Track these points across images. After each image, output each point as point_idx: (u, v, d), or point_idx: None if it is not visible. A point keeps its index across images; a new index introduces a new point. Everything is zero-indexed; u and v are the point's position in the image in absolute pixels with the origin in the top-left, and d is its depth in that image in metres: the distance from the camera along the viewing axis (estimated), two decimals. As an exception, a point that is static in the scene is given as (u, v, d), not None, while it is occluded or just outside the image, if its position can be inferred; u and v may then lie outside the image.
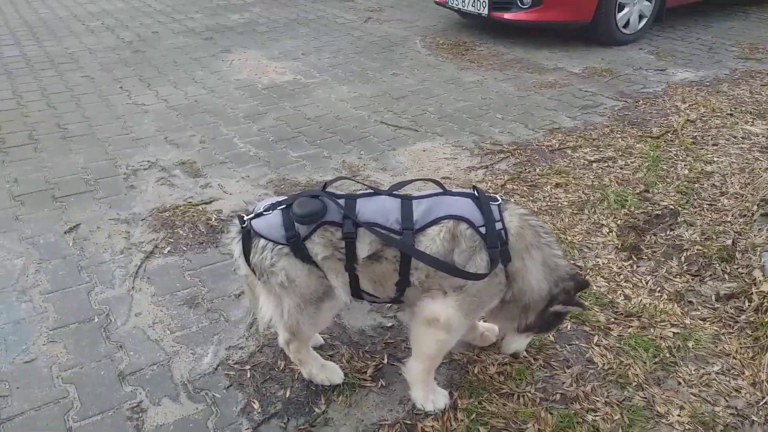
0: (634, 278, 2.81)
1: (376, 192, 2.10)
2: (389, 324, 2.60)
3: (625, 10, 6.21)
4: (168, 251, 3.11)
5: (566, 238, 3.10)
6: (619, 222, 3.23)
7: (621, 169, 3.80)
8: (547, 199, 3.50)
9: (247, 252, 2.07)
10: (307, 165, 4.02)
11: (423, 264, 1.97)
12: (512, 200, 3.42)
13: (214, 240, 3.21)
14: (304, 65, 6.05)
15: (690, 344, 2.39)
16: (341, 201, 2.04)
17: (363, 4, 8.70)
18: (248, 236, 2.05)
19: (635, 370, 2.29)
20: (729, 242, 2.93)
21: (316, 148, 4.27)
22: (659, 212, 3.28)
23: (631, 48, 6.28)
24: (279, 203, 2.08)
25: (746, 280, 2.67)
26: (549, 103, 4.93)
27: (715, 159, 3.85)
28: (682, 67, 5.65)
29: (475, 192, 2.07)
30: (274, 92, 5.34)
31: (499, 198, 2.07)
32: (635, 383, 2.24)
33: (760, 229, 2.96)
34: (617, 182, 3.63)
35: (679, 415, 2.09)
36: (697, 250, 2.94)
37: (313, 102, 5.11)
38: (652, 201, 3.40)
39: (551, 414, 2.12)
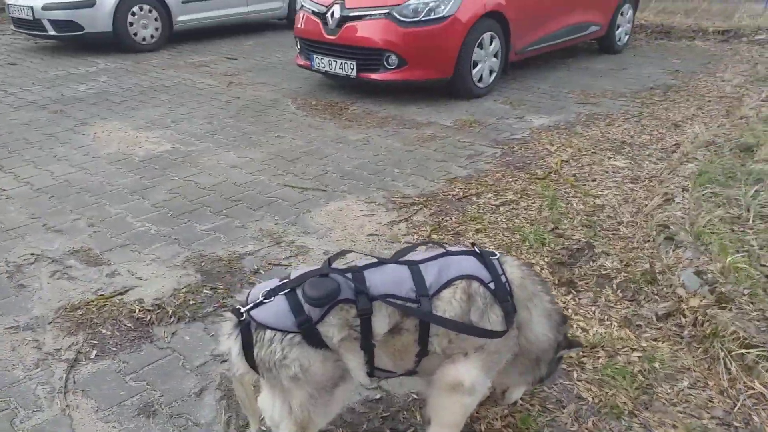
0: (581, 311, 3.01)
1: (381, 261, 2.03)
2: (377, 396, 2.48)
3: (479, 66, 6.81)
4: (96, 355, 2.68)
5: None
6: (546, 259, 3.46)
7: (525, 210, 4.09)
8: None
9: (247, 348, 1.86)
10: (221, 237, 3.76)
11: (443, 330, 1.93)
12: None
13: (147, 335, 2.84)
14: (178, 133, 5.71)
15: (656, 365, 2.60)
16: (348, 275, 1.94)
17: (217, 68, 8.51)
18: (248, 330, 1.86)
19: (622, 398, 2.43)
20: (647, 266, 3.27)
21: (223, 218, 4.02)
22: (577, 246, 3.58)
23: (487, 100, 6.88)
24: (278, 288, 1.91)
25: (674, 298, 2.99)
26: (436, 155, 5.18)
27: (600, 192, 4.32)
28: (536, 113, 6.31)
29: (475, 248, 2.10)
30: (155, 164, 4.95)
31: (497, 252, 2.11)
32: (627, 411, 2.37)
33: (667, 251, 3.35)
34: (528, 222, 3.90)
35: (676, 434, 2.25)
36: (624, 276, 3.24)
37: (203, 170, 4.83)
38: (566, 236, 3.71)
39: (570, 456, 2.16)
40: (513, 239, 3.69)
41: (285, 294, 1.88)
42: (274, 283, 1.96)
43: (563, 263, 3.41)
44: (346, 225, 3.94)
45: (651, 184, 4.41)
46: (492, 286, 1.98)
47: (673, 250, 3.33)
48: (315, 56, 6.95)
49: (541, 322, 2.06)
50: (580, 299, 3.10)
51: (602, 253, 3.50)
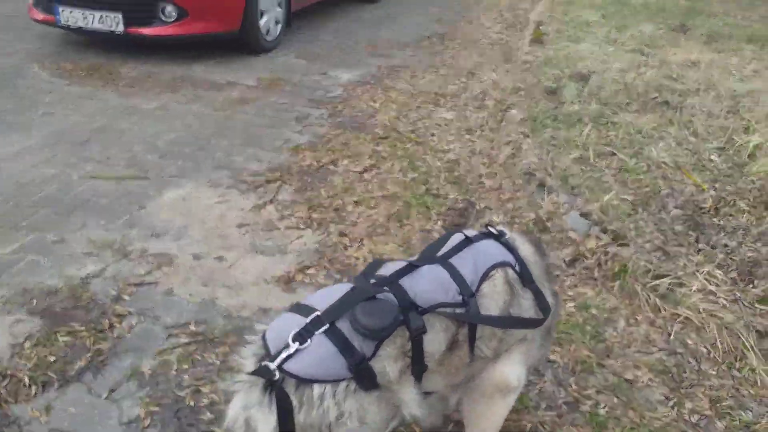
0: (498, 271, 2.97)
1: (410, 264, 1.64)
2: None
3: (265, 17, 6.22)
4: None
5: (411, 252, 3.03)
6: (439, 224, 3.34)
7: (389, 173, 3.89)
8: (363, 219, 3.33)
9: (284, 418, 1.35)
10: (40, 260, 2.78)
11: (491, 329, 1.67)
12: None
13: (8, 421, 1.94)
14: None
15: (593, 311, 2.70)
16: (385, 289, 1.54)
17: None
18: (284, 393, 1.34)
19: (584, 351, 2.47)
20: (533, 215, 3.38)
21: (28, 233, 2.98)
22: (460, 206, 3.53)
23: (278, 55, 6.36)
24: (311, 326, 1.41)
25: (570, 242, 3.15)
26: (259, 120, 4.61)
27: (447, 147, 4.33)
28: (337, 68, 6.03)
29: (491, 229, 1.85)
30: None
31: (505, 231, 1.89)
32: (594, 363, 2.42)
33: (542, 198, 3.50)
34: (401, 187, 3.71)
35: (647, 376, 2.37)
36: (517, 229, 3.29)
37: (-46, 171, 3.50)
38: (442, 196, 3.62)
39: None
40: (398, 207, 3.46)
41: (325, 332, 1.40)
42: (292, 320, 1.45)
43: (458, 225, 3.32)
44: (202, 218, 3.25)
45: (485, 133, 4.57)
46: (518, 269, 1.77)
47: (548, 196, 3.49)
48: (61, 8, 5.51)
49: (549, 292, 1.93)
50: (490, 259, 3.06)
51: (486, 209, 3.51)
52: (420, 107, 5.08)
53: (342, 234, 3.19)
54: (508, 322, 1.68)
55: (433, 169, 3.96)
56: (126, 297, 2.59)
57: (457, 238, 1.79)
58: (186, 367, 2.25)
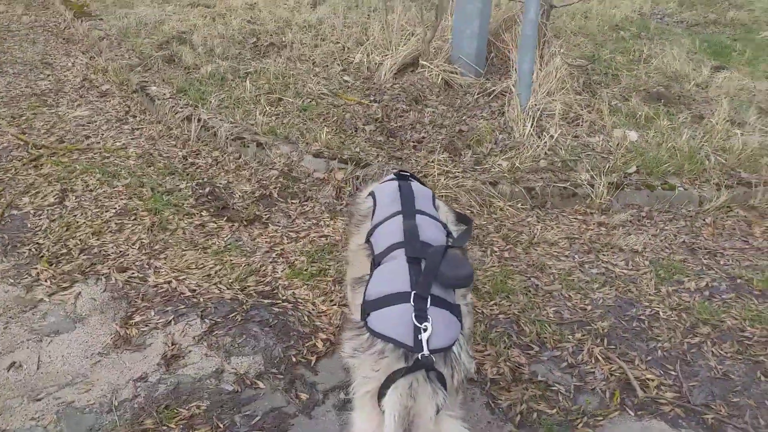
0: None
1: (412, 221, 1.77)
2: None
3: None
4: None
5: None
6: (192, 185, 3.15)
7: (95, 191, 3.31)
8: (125, 245, 2.86)
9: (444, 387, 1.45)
10: None
11: None
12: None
13: None
14: None
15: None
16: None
17: None
18: (438, 372, 1.43)
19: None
20: (276, 171, 3.51)
21: None
22: (209, 189, 3.35)
23: None
24: (421, 306, 1.47)
25: (319, 180, 3.47)
26: None
27: (122, 144, 3.85)
28: None
29: (404, 173, 2.10)
30: None
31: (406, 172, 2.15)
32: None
33: (267, 155, 3.63)
34: (133, 197, 3.24)
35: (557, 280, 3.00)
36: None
37: None
38: (189, 181, 3.36)
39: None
40: (158, 217, 3.07)
41: (433, 303, 1.49)
42: (397, 311, 1.48)
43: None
44: None
45: (143, 117, 4.20)
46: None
47: (272, 152, 3.64)
48: None
49: None
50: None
51: (228, 185, 3.43)
52: (36, 112, 4.21)
53: (125, 269, 2.70)
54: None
55: (123, 170, 3.53)
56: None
57: (405, 185, 1.96)
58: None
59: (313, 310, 2.54)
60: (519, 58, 3.83)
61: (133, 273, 2.69)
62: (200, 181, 3.45)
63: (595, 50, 5.48)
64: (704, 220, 3.33)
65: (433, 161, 3.51)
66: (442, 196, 3.22)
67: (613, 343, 2.44)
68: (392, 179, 2.08)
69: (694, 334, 2.51)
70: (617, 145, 3.77)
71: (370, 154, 3.63)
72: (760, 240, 3.19)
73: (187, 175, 3.51)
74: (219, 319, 2.46)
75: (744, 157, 3.70)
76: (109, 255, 2.80)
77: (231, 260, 2.81)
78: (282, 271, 2.77)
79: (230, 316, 2.49)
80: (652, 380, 2.26)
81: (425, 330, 1.42)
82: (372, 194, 2.03)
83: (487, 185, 3.31)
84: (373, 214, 1.94)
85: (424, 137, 3.81)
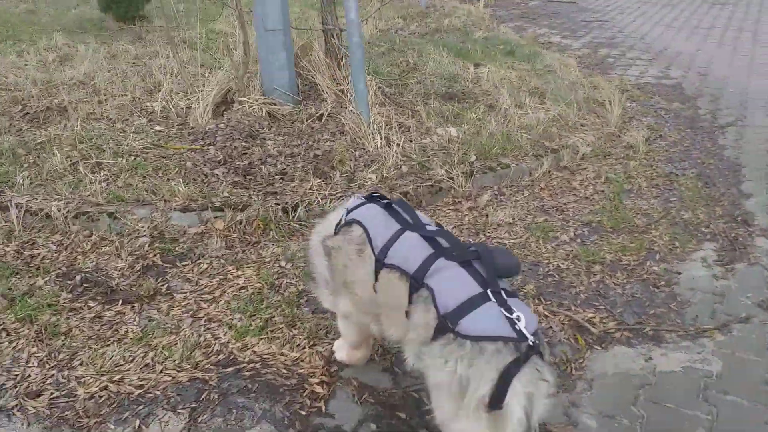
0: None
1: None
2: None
3: None
4: None
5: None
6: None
7: None
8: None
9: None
10: None
11: None
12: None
13: None
14: None
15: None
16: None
17: None
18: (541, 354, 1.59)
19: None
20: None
21: None
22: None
23: None
24: (501, 300, 1.60)
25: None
26: None
27: None
28: None
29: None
30: None
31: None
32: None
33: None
34: None
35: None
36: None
37: None
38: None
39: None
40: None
41: (507, 295, 1.62)
42: (489, 311, 1.58)
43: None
44: None
45: None
46: None
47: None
48: None
49: None
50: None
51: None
52: None
53: (38, 392, 2.17)
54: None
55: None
56: None
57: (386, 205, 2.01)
58: None
59: (285, 360, 2.39)
60: (353, 78, 4.05)
61: (52, 393, 2.18)
62: (59, 272, 2.90)
63: (374, 66, 5.99)
64: (540, 186, 3.97)
65: (311, 188, 3.51)
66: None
67: (547, 299, 2.82)
68: (361, 204, 2.09)
69: (592, 273, 3.03)
70: (448, 141, 4.25)
71: (241, 196, 3.47)
72: (582, 191, 3.94)
73: (37, 270, 2.91)
74: (194, 405, 2.16)
75: (541, 131, 4.50)
76: (4, 385, 2.21)
77: (160, 342, 2.46)
78: (225, 335, 2.52)
79: (203, 398, 2.20)
80: (594, 317, 2.68)
81: (519, 319, 1.53)
82: (352, 223, 2.01)
83: (369, 199, 3.45)
84: (369, 240, 1.93)
85: (285, 168, 3.77)
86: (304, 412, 2.14)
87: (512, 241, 3.31)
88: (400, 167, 3.81)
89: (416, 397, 2.22)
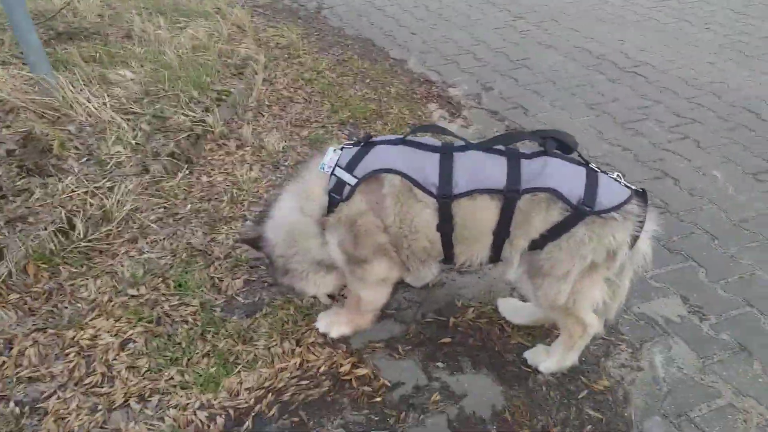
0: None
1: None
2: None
3: None
4: None
5: None
6: None
7: None
8: None
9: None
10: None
11: None
12: None
13: None
14: None
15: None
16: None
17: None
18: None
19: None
20: None
21: None
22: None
23: None
24: (583, 168, 1.71)
25: None
26: None
27: None
28: None
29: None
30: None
31: None
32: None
33: None
34: None
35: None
36: None
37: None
38: None
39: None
40: None
41: (585, 166, 1.73)
42: (606, 181, 1.68)
43: None
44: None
45: None
46: None
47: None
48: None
49: None
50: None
51: None
52: None
53: None
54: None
55: None
56: None
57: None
58: None
59: (291, 376, 1.94)
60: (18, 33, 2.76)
61: None
62: None
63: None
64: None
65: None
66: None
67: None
68: (359, 155, 1.77)
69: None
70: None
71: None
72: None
73: None
74: None
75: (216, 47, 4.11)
76: None
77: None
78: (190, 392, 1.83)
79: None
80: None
81: (620, 177, 1.72)
82: (377, 175, 1.73)
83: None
84: (417, 183, 1.71)
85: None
86: (377, 398, 1.88)
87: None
88: (138, 130, 3.00)
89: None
